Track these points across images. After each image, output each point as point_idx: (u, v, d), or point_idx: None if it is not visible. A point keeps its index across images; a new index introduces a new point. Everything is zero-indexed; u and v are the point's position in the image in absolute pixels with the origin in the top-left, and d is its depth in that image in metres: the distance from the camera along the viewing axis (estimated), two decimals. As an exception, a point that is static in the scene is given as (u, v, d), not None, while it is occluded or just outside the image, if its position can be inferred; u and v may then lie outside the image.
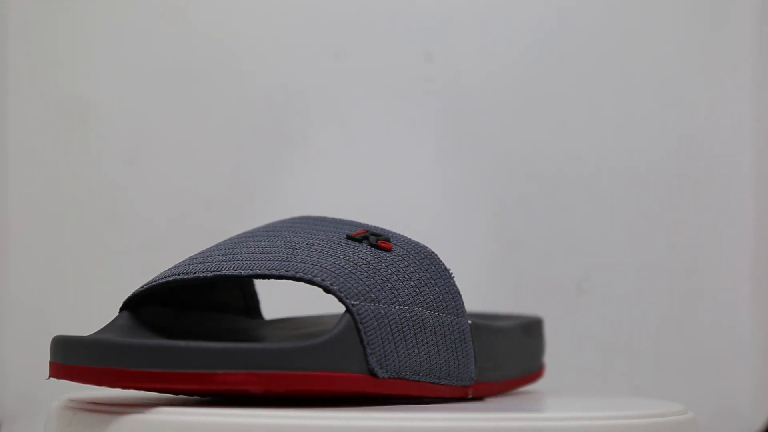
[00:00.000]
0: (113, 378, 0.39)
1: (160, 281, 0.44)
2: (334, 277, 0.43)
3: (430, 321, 0.45)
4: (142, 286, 0.44)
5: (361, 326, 0.42)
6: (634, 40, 0.76)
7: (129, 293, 0.45)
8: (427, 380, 0.44)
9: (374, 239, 0.46)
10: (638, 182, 0.75)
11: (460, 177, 0.75)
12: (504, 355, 0.52)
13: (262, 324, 0.50)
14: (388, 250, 0.46)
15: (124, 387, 0.40)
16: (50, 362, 0.41)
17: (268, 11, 0.75)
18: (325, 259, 0.44)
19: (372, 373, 0.42)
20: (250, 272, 0.43)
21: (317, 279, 0.42)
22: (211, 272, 0.43)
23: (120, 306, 0.45)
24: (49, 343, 0.42)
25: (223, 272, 0.43)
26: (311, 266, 0.43)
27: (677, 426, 0.43)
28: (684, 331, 0.75)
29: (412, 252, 0.46)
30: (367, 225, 0.48)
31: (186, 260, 0.45)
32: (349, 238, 0.46)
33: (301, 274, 0.43)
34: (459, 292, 0.47)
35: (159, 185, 0.74)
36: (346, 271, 0.43)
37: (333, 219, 0.49)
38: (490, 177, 0.75)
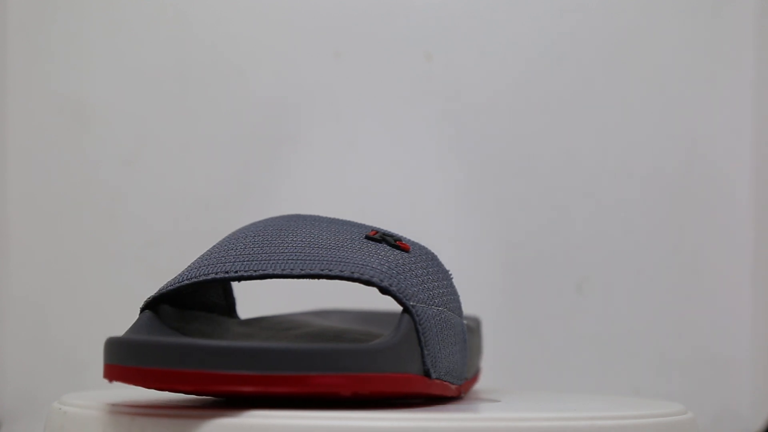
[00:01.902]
0: (200, 381, 0.37)
1: (204, 278, 0.42)
2: (390, 278, 0.43)
3: (451, 322, 0.45)
4: (174, 283, 0.43)
5: (419, 327, 0.42)
6: (634, 40, 0.76)
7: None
8: (449, 380, 0.45)
9: (392, 240, 0.46)
10: (638, 182, 0.75)
11: (459, 177, 0.75)
12: (471, 355, 0.52)
13: (250, 323, 0.50)
14: (407, 251, 0.46)
15: (209, 391, 0.38)
16: (113, 365, 0.39)
17: (267, 11, 0.75)
18: (371, 259, 0.43)
19: (427, 374, 0.42)
20: (301, 272, 0.42)
21: (375, 279, 0.42)
22: (255, 272, 0.42)
23: (141, 305, 0.44)
24: (106, 343, 0.40)
25: (269, 272, 0.42)
26: (362, 266, 0.43)
27: (677, 426, 0.43)
28: (684, 331, 0.75)
29: (422, 253, 0.46)
30: (364, 224, 0.48)
31: (212, 259, 0.44)
32: (368, 238, 0.46)
33: (358, 274, 0.42)
34: (458, 293, 0.48)
35: (158, 185, 0.74)
36: (395, 271, 0.43)
37: (332, 218, 0.49)
38: (490, 177, 0.75)
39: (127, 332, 0.41)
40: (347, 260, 0.43)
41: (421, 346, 0.42)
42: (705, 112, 0.76)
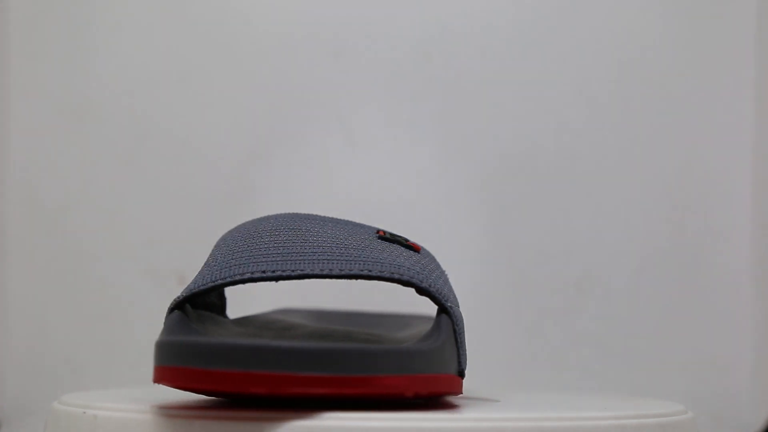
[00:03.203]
0: (274, 383, 0.36)
1: (239, 278, 0.41)
2: (426, 279, 0.43)
3: (462, 321, 0.45)
4: (206, 283, 0.42)
5: (456, 327, 0.42)
6: (634, 41, 0.76)
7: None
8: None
9: (402, 240, 0.46)
10: (638, 181, 0.75)
11: (459, 177, 0.75)
12: None
13: (243, 323, 0.50)
14: (418, 252, 0.46)
15: (281, 393, 0.37)
16: (179, 368, 0.37)
17: (267, 11, 0.75)
18: (400, 260, 0.43)
19: (461, 374, 0.42)
20: (340, 272, 0.41)
21: (415, 280, 0.42)
22: (293, 271, 0.41)
23: (171, 304, 0.42)
24: (169, 346, 0.38)
25: (307, 271, 0.41)
26: (398, 266, 0.42)
27: (677, 426, 0.43)
28: (684, 331, 0.75)
29: (428, 253, 0.47)
30: (364, 224, 0.48)
31: (241, 258, 0.43)
32: (381, 238, 0.46)
33: (398, 275, 0.42)
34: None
35: (158, 185, 0.74)
36: (426, 272, 0.43)
37: (333, 218, 0.49)
38: (490, 177, 0.75)
39: (167, 333, 0.40)
40: (381, 260, 0.42)
41: (458, 346, 0.42)
42: (705, 112, 0.76)
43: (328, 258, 0.42)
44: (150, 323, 0.74)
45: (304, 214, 0.48)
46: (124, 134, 0.75)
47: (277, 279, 0.41)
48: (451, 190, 0.75)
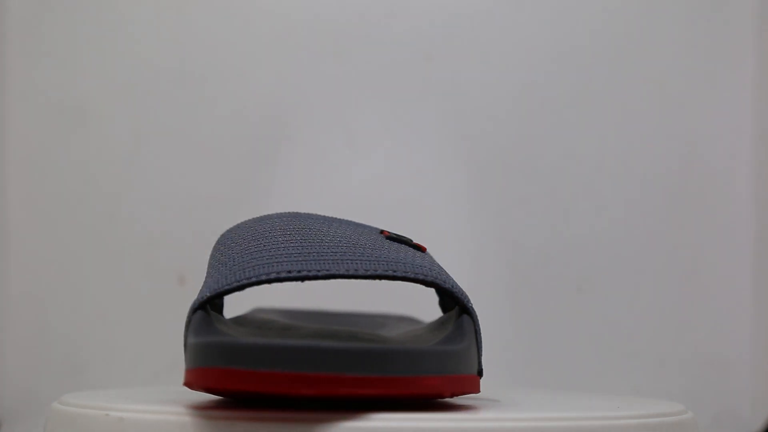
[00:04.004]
0: (324, 384, 0.36)
1: (266, 277, 0.41)
2: (449, 280, 0.43)
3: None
4: (232, 283, 0.41)
5: (477, 328, 0.42)
6: (634, 40, 0.76)
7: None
8: None
9: (408, 240, 0.46)
10: (638, 182, 0.75)
11: (459, 177, 0.75)
12: None
13: (241, 323, 0.50)
14: (424, 252, 0.46)
15: (329, 394, 0.37)
16: (227, 369, 0.36)
17: (268, 11, 0.75)
18: (418, 260, 0.43)
19: (480, 374, 0.42)
20: (365, 273, 0.41)
21: (439, 281, 0.42)
22: (319, 272, 0.41)
23: (195, 304, 0.42)
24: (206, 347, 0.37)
25: (333, 272, 0.41)
26: (420, 267, 0.42)
27: (677, 426, 0.43)
28: (684, 331, 0.75)
29: (429, 254, 0.47)
30: (365, 224, 0.48)
31: (264, 258, 0.42)
32: (389, 238, 0.46)
33: (422, 276, 0.42)
34: None
35: (158, 185, 0.74)
36: (445, 273, 0.43)
37: (335, 218, 0.49)
38: (490, 177, 0.75)
39: (202, 334, 0.39)
40: (402, 261, 0.42)
41: (478, 346, 0.42)
42: (705, 112, 0.76)
43: (351, 258, 0.42)
44: (150, 323, 0.74)
45: (305, 214, 0.48)
46: (124, 134, 0.75)
47: (303, 279, 0.41)
48: (451, 191, 0.75)
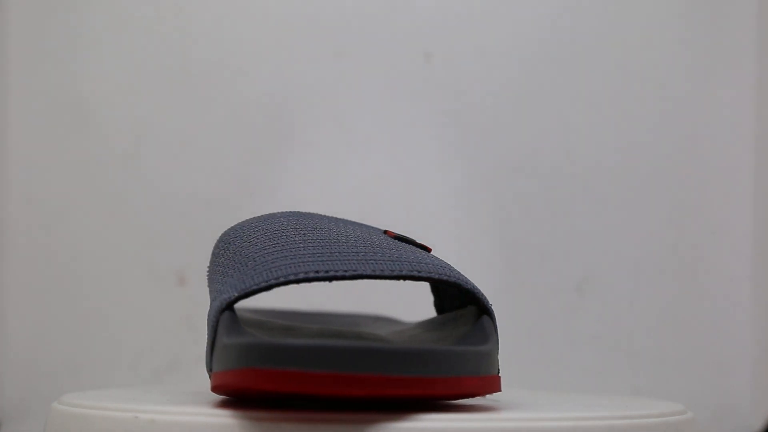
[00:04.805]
0: (375, 385, 0.36)
1: (293, 277, 0.40)
2: (469, 281, 0.43)
3: None
4: (260, 283, 0.41)
5: (497, 329, 0.42)
6: (634, 40, 0.76)
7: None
8: None
9: (412, 240, 0.46)
10: (638, 182, 0.75)
11: (459, 177, 0.75)
12: None
13: (250, 324, 0.50)
14: (430, 252, 0.46)
15: (379, 395, 0.37)
16: (275, 370, 0.36)
17: (268, 11, 0.75)
18: (434, 261, 0.43)
19: (498, 374, 0.42)
20: (391, 273, 0.41)
21: (461, 282, 0.42)
22: (346, 272, 0.41)
23: (223, 305, 0.41)
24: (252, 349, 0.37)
25: (360, 272, 0.41)
26: (440, 267, 0.42)
27: (677, 426, 0.43)
28: (684, 331, 0.75)
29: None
30: (366, 224, 0.48)
31: (288, 259, 0.41)
32: (397, 238, 0.46)
33: (446, 276, 0.42)
34: None
35: (158, 185, 0.74)
36: (461, 274, 0.43)
37: (338, 218, 0.48)
38: (490, 177, 0.75)
39: (237, 335, 0.39)
40: (423, 261, 0.42)
41: (497, 346, 0.43)
42: (705, 112, 0.76)
43: (374, 259, 0.42)
44: (150, 323, 0.74)
45: (309, 213, 0.48)
46: (124, 134, 0.75)
47: (330, 279, 0.41)
48: (451, 191, 0.75)
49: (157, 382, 0.72)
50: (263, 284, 0.40)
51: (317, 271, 0.40)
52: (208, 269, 0.47)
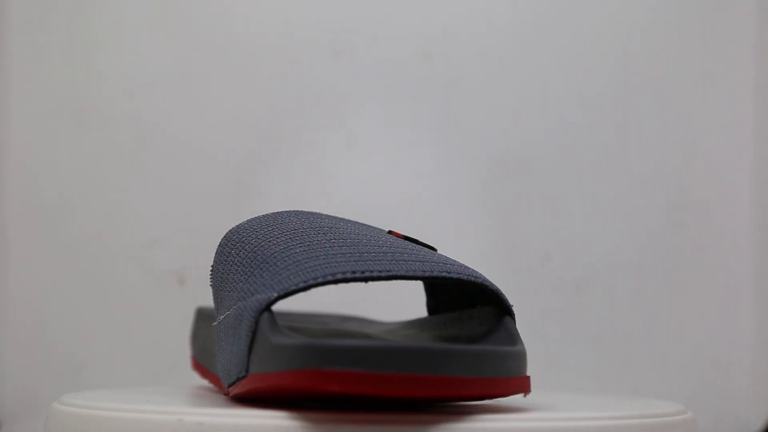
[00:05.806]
0: (433, 386, 0.36)
1: (331, 278, 0.40)
2: (492, 282, 0.43)
3: None
4: (298, 283, 0.40)
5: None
6: (634, 40, 0.76)
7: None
8: None
9: (417, 240, 0.46)
10: (638, 182, 0.75)
11: (459, 177, 0.75)
12: None
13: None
14: (435, 251, 0.46)
15: (433, 396, 0.37)
16: (337, 371, 0.36)
17: (267, 11, 0.75)
18: (457, 262, 0.43)
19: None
20: (423, 274, 0.41)
21: (487, 282, 0.42)
22: (381, 272, 0.40)
23: (263, 305, 0.41)
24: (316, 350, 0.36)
25: (394, 272, 0.41)
26: (465, 268, 0.42)
27: (677, 426, 0.43)
28: (684, 331, 0.75)
29: None
30: (369, 224, 0.48)
31: (321, 259, 0.41)
32: (406, 238, 0.46)
33: (473, 277, 0.42)
34: None
35: (159, 185, 0.74)
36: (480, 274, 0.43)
37: (343, 218, 0.48)
38: (490, 177, 0.75)
39: (282, 335, 0.38)
40: (449, 262, 0.42)
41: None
42: (705, 112, 0.76)
43: (402, 259, 0.42)
44: (150, 323, 0.74)
45: (316, 213, 0.48)
46: (124, 134, 0.75)
47: (366, 280, 0.40)
48: (451, 190, 0.75)
49: (158, 383, 0.72)
50: (302, 284, 0.40)
51: (354, 272, 0.40)
52: (212, 269, 0.46)
